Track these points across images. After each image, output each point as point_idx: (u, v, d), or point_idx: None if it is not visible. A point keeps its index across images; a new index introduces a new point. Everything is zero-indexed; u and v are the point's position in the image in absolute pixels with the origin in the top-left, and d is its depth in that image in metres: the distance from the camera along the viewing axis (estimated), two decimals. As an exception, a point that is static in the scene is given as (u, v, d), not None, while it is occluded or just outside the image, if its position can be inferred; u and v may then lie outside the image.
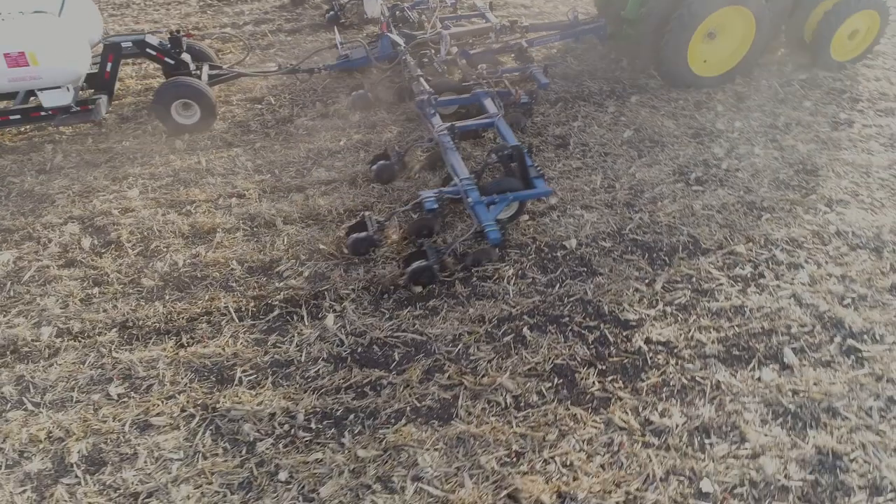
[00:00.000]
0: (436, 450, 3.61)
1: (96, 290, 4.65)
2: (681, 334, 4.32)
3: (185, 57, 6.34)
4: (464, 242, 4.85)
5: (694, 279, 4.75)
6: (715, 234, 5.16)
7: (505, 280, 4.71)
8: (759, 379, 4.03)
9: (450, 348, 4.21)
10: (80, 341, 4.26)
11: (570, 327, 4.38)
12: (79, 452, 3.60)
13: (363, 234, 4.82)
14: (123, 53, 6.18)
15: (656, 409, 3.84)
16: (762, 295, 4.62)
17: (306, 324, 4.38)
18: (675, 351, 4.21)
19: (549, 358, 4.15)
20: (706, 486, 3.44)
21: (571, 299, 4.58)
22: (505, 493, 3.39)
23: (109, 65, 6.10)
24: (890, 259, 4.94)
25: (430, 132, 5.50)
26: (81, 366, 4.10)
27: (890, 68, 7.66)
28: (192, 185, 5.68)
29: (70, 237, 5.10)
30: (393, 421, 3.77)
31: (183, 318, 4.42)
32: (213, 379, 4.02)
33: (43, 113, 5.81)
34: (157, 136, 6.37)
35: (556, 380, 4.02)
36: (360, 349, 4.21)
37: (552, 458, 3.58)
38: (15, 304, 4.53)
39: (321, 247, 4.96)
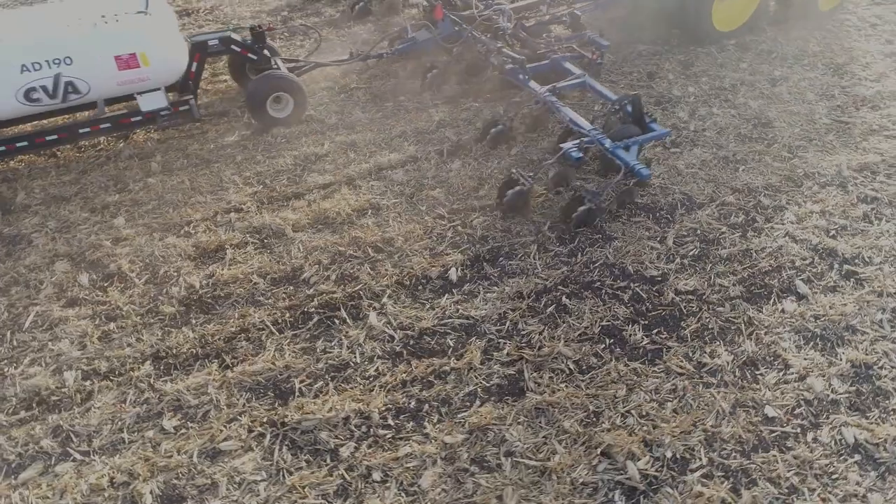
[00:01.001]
0: (519, 423, 3.68)
1: (113, 325, 4.35)
2: (703, 282, 4.62)
3: (266, 52, 6.33)
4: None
5: (698, 231, 5.08)
6: (704, 189, 5.54)
7: (530, 256, 4.84)
8: (782, 311, 4.40)
9: (499, 327, 4.29)
10: (112, 380, 3.98)
11: (603, 290, 4.57)
12: (151, 493, 3.38)
13: (517, 188, 5.09)
14: (209, 52, 5.99)
15: (705, 352, 4.10)
16: (761, 237, 5.02)
17: (350, 325, 4.31)
18: (704, 297, 4.50)
19: (595, 321, 4.32)
20: (770, 411, 3.73)
21: (597, 265, 4.77)
22: (598, 451, 3.51)
23: (195, 64, 5.94)
24: (854, 192, 5.49)
25: (529, 96, 6.11)
26: (123, 404, 3.84)
27: (807, 29, 8.42)
28: (183, 206, 5.40)
29: (63, 275, 4.73)
30: (468, 404, 3.80)
31: (218, 339, 4.22)
32: (272, 394, 3.88)
33: (134, 119, 5.71)
34: (128, 161, 5.99)
35: (607, 340, 4.20)
36: (412, 342, 4.20)
37: (628, 411, 3.74)
38: (24, 354, 4.15)
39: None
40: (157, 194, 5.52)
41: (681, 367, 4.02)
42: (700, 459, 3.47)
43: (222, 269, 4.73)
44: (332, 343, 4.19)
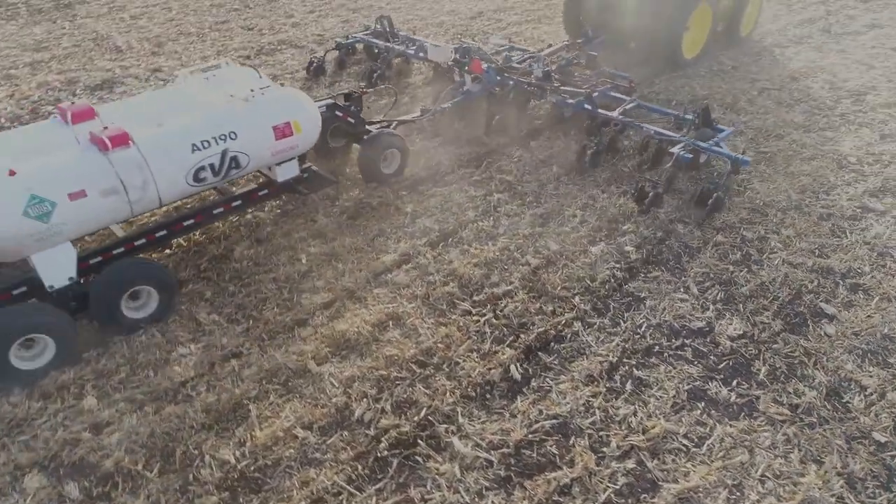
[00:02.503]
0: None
1: (141, 541, 3.35)
2: (746, 323, 4.72)
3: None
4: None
5: (711, 275, 5.24)
6: (693, 232, 5.74)
7: (579, 335, 4.62)
8: (826, 335, 4.63)
9: (591, 418, 3.99)
10: None
11: (665, 353, 4.47)
12: None
13: (652, 193, 5.95)
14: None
15: (789, 392, 4.13)
16: (764, 269, 5.30)
17: (437, 459, 3.73)
18: (755, 338, 4.59)
19: (678, 388, 4.18)
20: (878, 436, 3.80)
21: (645, 329, 4.68)
22: None
23: None
24: (814, 212, 6.02)
25: (601, 122, 6.95)
26: None
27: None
28: (165, 365, 4.45)
29: (42, 493, 3.59)
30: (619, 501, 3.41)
31: (289, 521, 3.43)
32: (390, 572, 3.19)
33: (261, 193, 5.69)
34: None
35: (699, 405, 4.06)
36: (513, 460, 3.73)
37: (764, 476, 3.60)
38: None
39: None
40: (126, 357, 4.50)
41: (779, 414, 3.99)
42: (859, 507, 3.40)
43: (254, 432, 3.91)
44: (428, 486, 3.59)
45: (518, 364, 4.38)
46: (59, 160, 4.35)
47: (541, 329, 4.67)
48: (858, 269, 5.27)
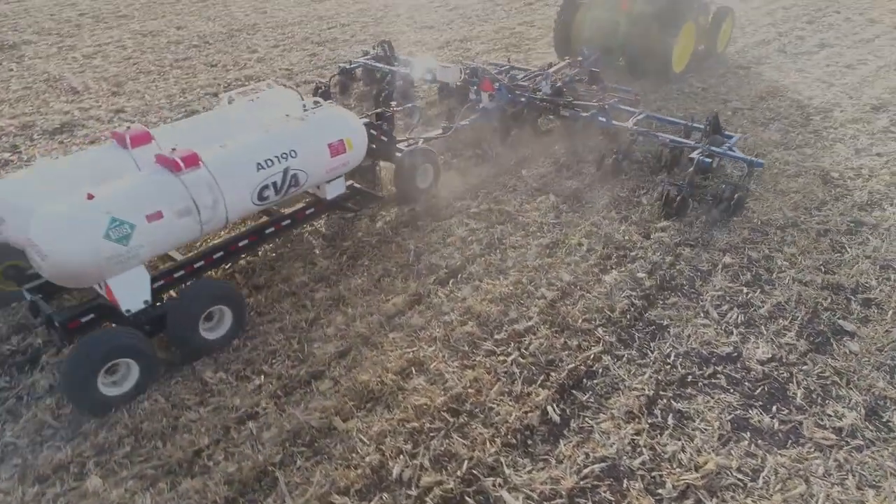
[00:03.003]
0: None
1: None
2: (772, 346, 4.68)
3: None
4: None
5: (727, 297, 5.20)
6: (701, 256, 5.72)
7: (610, 369, 4.48)
8: (852, 353, 4.64)
9: (640, 458, 3.82)
10: None
11: (699, 383, 4.37)
12: None
13: (679, 196, 6.20)
14: None
15: (829, 415, 4.08)
16: (777, 289, 5.30)
17: (491, 518, 3.48)
18: (784, 361, 4.55)
19: (720, 420, 4.06)
20: (927, 455, 3.76)
21: (674, 359, 4.58)
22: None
23: None
24: (812, 229, 6.11)
25: (622, 132, 7.29)
26: None
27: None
28: (174, 434, 4.06)
29: None
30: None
31: None
32: None
33: (308, 212, 5.70)
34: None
35: (745, 435, 3.95)
36: (568, 511, 3.52)
37: (824, 505, 3.50)
38: None
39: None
40: (129, 427, 4.10)
41: (825, 439, 3.93)
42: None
43: (285, 501, 3.58)
44: (490, 551, 3.34)
45: (555, 405, 4.20)
46: (132, 183, 4.39)
47: (570, 365, 4.51)
48: (866, 283, 5.34)
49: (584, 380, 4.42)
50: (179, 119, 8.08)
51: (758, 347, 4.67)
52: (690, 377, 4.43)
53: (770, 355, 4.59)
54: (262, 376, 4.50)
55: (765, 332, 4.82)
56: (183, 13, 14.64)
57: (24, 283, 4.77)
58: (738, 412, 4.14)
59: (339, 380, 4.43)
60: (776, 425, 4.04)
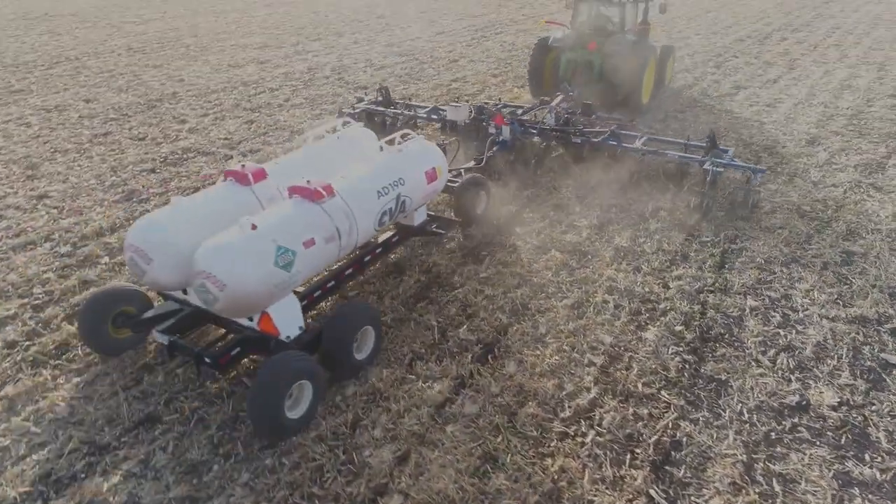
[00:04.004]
0: None
1: None
2: (835, 390, 4.62)
3: None
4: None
5: (767, 342, 5.13)
6: (724, 302, 5.67)
7: (703, 454, 4.19)
8: (907, 386, 4.61)
9: (767, 536, 3.51)
10: None
11: (783, 439, 4.17)
12: None
13: (705, 201, 7.19)
14: None
15: (922, 457, 3.99)
16: (808, 328, 5.31)
17: None
18: (853, 404, 4.48)
19: (824, 481, 3.86)
20: None
21: (749, 413, 4.37)
22: None
23: None
24: (817, 268, 6.27)
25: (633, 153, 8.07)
26: None
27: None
28: None
29: None
30: None
31: None
32: None
33: (394, 240, 5.92)
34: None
35: (856, 491, 3.77)
36: None
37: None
38: None
39: None
40: None
41: (931, 484, 3.82)
42: None
43: None
44: None
45: (655, 486, 3.83)
46: (282, 213, 4.54)
47: (652, 438, 4.18)
48: (886, 313, 5.47)
49: (672, 452, 4.10)
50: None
51: (821, 392, 4.59)
52: (774, 434, 4.24)
53: (837, 400, 4.52)
54: (316, 501, 3.80)
55: (820, 375, 4.76)
56: (88, 85, 13.44)
57: (138, 329, 4.90)
58: (837, 466, 3.98)
59: (408, 492, 3.82)
60: (878, 476, 3.90)
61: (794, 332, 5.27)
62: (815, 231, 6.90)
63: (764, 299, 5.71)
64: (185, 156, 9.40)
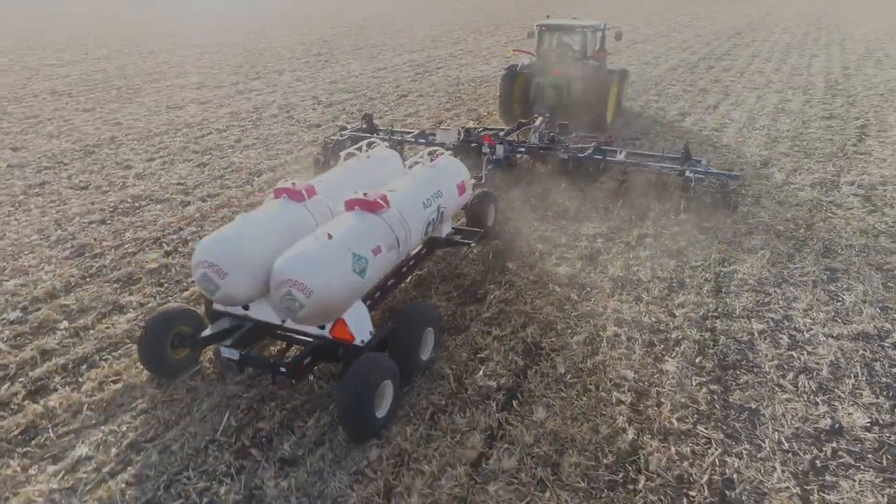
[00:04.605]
0: None
1: None
2: (865, 411, 4.61)
3: None
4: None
5: (784, 365, 5.12)
6: (730, 327, 5.66)
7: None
8: (926, 400, 4.68)
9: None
10: None
11: (851, 475, 4.10)
12: None
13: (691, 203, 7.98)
14: None
15: (963, 472, 4.01)
16: (818, 347, 5.35)
17: None
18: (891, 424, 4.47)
19: None
20: None
21: (802, 442, 4.30)
22: None
23: None
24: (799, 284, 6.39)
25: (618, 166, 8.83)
26: None
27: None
28: None
29: None
30: None
31: None
32: None
33: (422, 252, 6.12)
34: None
35: (912, 515, 3.72)
36: None
37: None
38: None
39: None
40: None
41: (980, 500, 3.82)
42: None
43: None
44: None
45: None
46: (348, 224, 4.75)
47: (703, 479, 4.01)
48: (883, 328, 5.60)
49: (727, 492, 3.94)
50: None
51: (850, 414, 4.58)
52: (819, 462, 4.17)
53: (868, 420, 4.52)
54: None
55: (843, 396, 4.78)
56: (13, 132, 12.40)
57: (196, 347, 4.98)
58: (887, 491, 3.93)
59: None
60: None
61: (805, 353, 5.30)
62: (795, 250, 7.08)
63: (768, 321, 5.74)
64: (136, 204, 8.73)
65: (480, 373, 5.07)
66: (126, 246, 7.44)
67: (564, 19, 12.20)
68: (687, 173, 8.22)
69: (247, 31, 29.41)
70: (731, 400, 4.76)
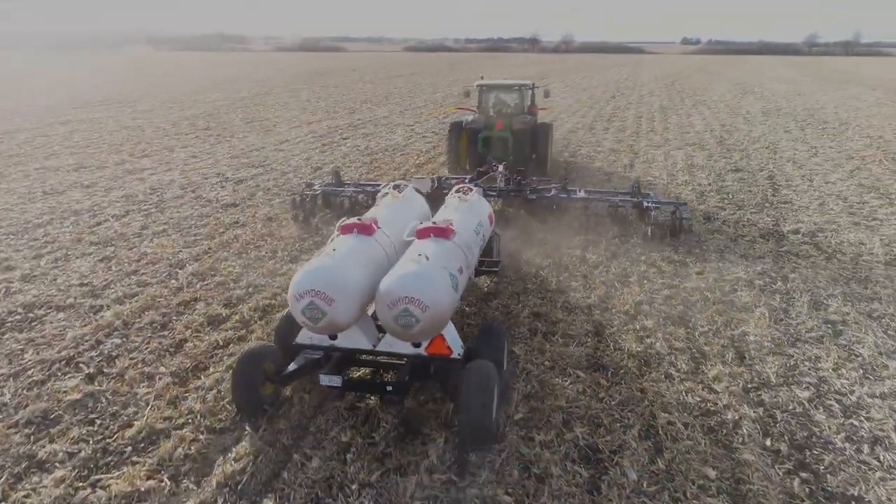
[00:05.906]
0: None
1: None
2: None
3: None
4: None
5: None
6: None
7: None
8: None
9: None
10: None
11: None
12: None
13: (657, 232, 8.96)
14: None
15: None
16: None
17: None
18: (981, 493, 4.17)
19: None
20: None
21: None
22: None
23: None
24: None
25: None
26: None
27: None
28: None
29: None
30: None
31: None
32: None
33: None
34: None
35: None
36: None
37: None
38: None
39: None
40: None
41: None
42: None
43: None
44: None
45: None
46: (431, 249, 5.13)
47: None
48: (880, 364, 5.49)
49: None
50: None
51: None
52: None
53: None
54: None
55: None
56: None
57: (284, 383, 5.20)
58: None
59: None
60: None
61: (862, 419, 4.99)
62: (787, 304, 7.00)
63: (808, 387, 5.43)
64: (31, 314, 7.01)
65: (546, 495, 4.20)
66: (29, 373, 5.80)
67: (500, 79, 13.64)
68: (645, 204, 9.30)
69: (118, 103, 27.05)
70: (828, 487, 4.26)
